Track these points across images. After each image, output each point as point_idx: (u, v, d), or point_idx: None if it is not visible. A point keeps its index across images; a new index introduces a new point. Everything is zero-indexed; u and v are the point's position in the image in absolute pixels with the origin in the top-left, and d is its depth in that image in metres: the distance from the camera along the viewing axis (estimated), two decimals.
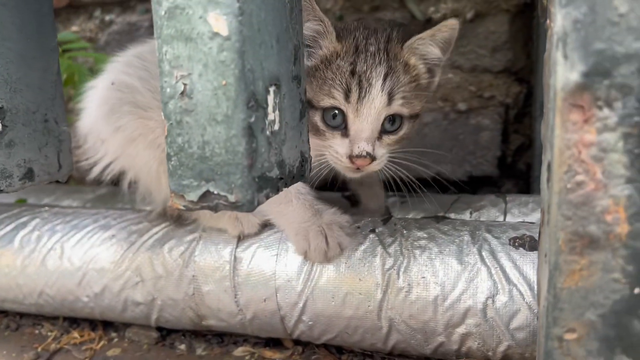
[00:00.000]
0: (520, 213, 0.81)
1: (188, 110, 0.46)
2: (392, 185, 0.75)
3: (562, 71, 0.38)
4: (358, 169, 0.69)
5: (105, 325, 0.85)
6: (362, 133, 0.68)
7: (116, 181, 0.81)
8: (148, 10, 1.19)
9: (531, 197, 0.84)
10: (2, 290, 0.82)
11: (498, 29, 1.01)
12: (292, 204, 0.69)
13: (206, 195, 0.47)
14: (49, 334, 0.85)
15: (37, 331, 0.87)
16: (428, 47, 0.71)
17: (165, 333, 0.82)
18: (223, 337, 0.80)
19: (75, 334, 0.83)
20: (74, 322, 0.87)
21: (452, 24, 0.69)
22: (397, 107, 0.69)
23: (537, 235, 0.64)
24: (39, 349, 0.81)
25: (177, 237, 0.75)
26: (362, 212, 0.83)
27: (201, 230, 0.75)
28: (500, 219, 0.80)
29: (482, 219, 0.79)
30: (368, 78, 0.67)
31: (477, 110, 1.04)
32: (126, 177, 0.80)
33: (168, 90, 0.46)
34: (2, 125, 0.59)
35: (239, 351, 0.77)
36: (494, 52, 1.02)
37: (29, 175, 0.62)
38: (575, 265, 0.41)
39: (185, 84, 0.45)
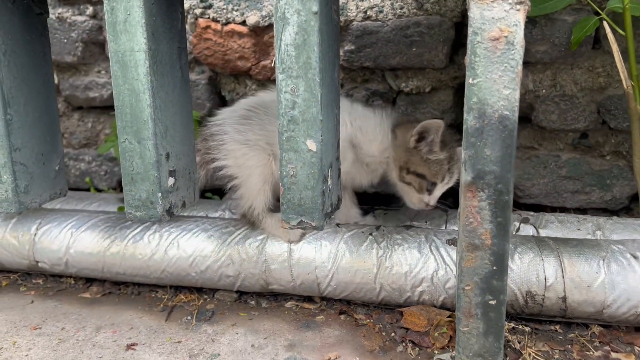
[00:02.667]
0: (455, 223, 1.34)
1: (293, 183, 0.96)
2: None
3: (464, 175, 0.90)
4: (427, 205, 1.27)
5: (199, 290, 1.35)
6: (437, 195, 1.28)
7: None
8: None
9: None
10: (135, 269, 1.31)
11: (446, 98, 1.53)
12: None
13: (301, 222, 0.97)
14: (163, 297, 1.34)
15: (153, 295, 1.35)
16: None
17: (240, 294, 1.32)
18: (277, 296, 1.31)
19: (182, 296, 1.33)
20: (177, 289, 1.36)
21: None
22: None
23: None
24: (161, 305, 1.30)
25: (253, 236, 1.25)
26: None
27: (267, 233, 1.26)
28: (443, 227, 1.34)
29: (431, 227, 1.32)
30: (451, 172, 1.27)
31: None
32: (236, 188, 1.28)
33: (284, 174, 0.96)
34: (175, 179, 1.07)
35: (288, 304, 1.28)
36: (443, 113, 1.54)
37: (184, 205, 1.11)
38: (469, 256, 0.93)
39: (293, 171, 0.95)
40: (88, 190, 1.88)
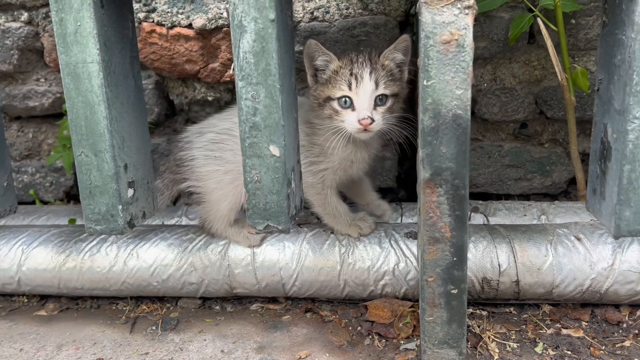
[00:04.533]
0: (410, 215, 1.39)
1: (258, 188, 0.97)
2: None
3: (422, 172, 0.94)
4: (365, 130, 1.11)
5: (160, 299, 1.33)
6: (362, 105, 1.12)
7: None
8: None
9: (416, 204, 1.42)
10: (93, 282, 1.28)
11: None
12: None
13: (267, 226, 0.99)
14: (124, 308, 1.31)
15: (114, 307, 1.33)
16: (394, 53, 1.19)
17: (203, 300, 1.32)
18: (241, 299, 1.31)
19: (144, 307, 1.31)
20: (138, 299, 1.34)
21: (405, 38, 1.17)
22: (382, 89, 1.14)
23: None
24: (123, 317, 1.28)
25: (215, 242, 1.25)
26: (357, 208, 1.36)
27: (228, 240, 1.26)
28: (399, 220, 1.38)
29: (389, 221, 1.37)
30: (361, 75, 1.12)
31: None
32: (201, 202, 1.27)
33: (248, 179, 0.97)
34: (134, 190, 1.06)
35: (254, 307, 1.29)
36: None
37: (144, 216, 1.10)
38: (431, 249, 0.97)
39: (257, 176, 0.96)
40: (33, 203, 1.81)
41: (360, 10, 1.48)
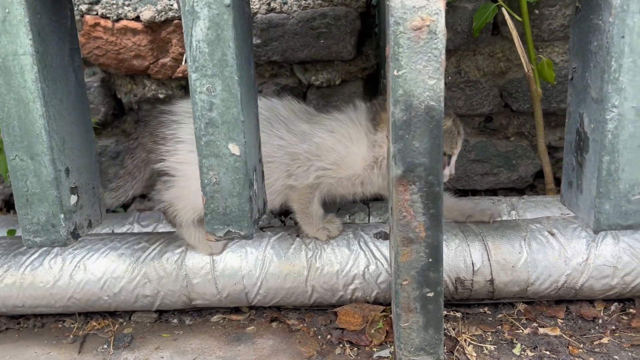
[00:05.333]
0: (377, 215, 1.33)
1: (217, 191, 0.88)
2: None
3: (394, 169, 0.87)
4: None
5: (112, 314, 1.22)
6: (453, 163, 1.16)
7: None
8: None
9: (384, 203, 1.37)
10: (36, 299, 1.16)
11: (357, 90, 1.52)
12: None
13: (228, 232, 0.90)
14: (72, 326, 1.20)
15: (60, 325, 1.21)
16: None
17: (160, 314, 1.22)
18: (201, 311, 1.22)
19: (94, 323, 1.20)
20: (87, 315, 1.23)
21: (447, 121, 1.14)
22: None
23: (388, 231, 1.15)
24: (71, 336, 1.17)
25: (170, 250, 1.16)
26: None
27: (186, 245, 1.17)
28: (367, 220, 1.32)
29: (356, 222, 1.30)
30: (457, 138, 1.15)
31: None
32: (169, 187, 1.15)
33: (206, 182, 0.88)
34: (77, 197, 0.95)
35: (214, 318, 1.20)
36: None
37: (90, 225, 0.99)
38: (405, 250, 0.91)
39: (216, 178, 0.88)
40: None
41: (319, 1, 1.41)
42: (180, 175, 1.14)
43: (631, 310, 1.12)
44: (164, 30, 1.43)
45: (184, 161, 1.13)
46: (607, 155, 0.85)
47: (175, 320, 1.20)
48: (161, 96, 1.53)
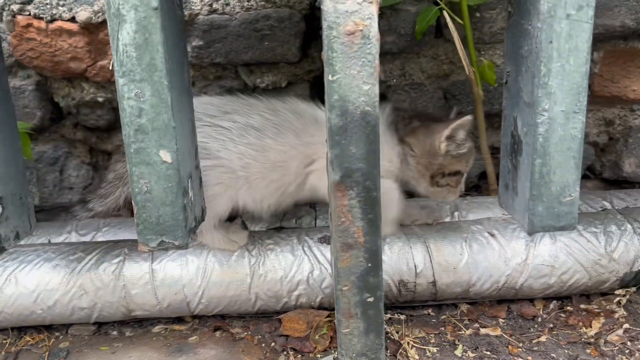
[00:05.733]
0: (324, 218, 1.32)
1: (149, 200, 0.85)
2: None
3: (332, 175, 0.86)
4: None
5: (48, 328, 1.17)
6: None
7: None
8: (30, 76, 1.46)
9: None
10: None
11: (303, 93, 1.50)
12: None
13: (162, 243, 0.87)
14: (4, 342, 1.14)
15: None
16: None
17: (99, 326, 1.18)
18: (142, 322, 1.18)
19: (28, 338, 1.14)
20: (21, 330, 1.17)
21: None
22: None
23: None
24: (2, 353, 1.11)
25: (107, 260, 1.12)
26: None
27: (124, 254, 1.13)
28: (313, 224, 1.31)
29: (303, 226, 1.29)
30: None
31: None
32: None
33: (137, 190, 0.85)
34: (2, 208, 0.91)
35: (156, 329, 1.17)
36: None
37: (17, 236, 0.95)
38: (344, 256, 0.90)
39: (147, 187, 0.85)
40: None
41: (263, 3, 1.39)
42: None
43: (568, 307, 1.14)
44: (101, 31, 1.38)
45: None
46: (539, 158, 0.86)
47: (115, 332, 1.16)
48: (100, 100, 1.48)
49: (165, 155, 0.84)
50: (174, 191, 0.85)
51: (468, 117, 1.10)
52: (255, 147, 1.11)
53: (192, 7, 1.37)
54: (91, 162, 1.62)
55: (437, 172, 1.14)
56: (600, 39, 1.44)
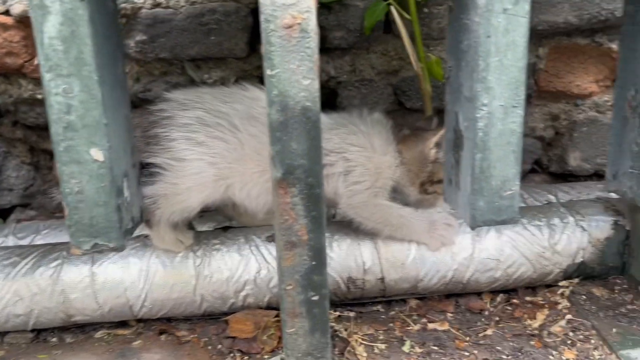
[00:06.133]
0: None
1: (81, 200, 0.82)
2: None
3: (274, 172, 0.84)
4: None
5: None
6: None
7: None
8: None
9: None
10: None
11: None
12: None
13: (96, 245, 0.84)
14: None
15: None
16: None
17: (37, 333, 1.13)
18: (84, 327, 1.14)
19: None
20: None
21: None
22: None
23: None
24: None
25: (44, 264, 1.07)
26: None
27: (62, 257, 1.08)
28: None
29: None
30: None
31: None
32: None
33: (68, 191, 0.81)
34: None
35: (98, 334, 1.12)
36: None
37: None
38: (288, 255, 0.88)
39: (79, 187, 0.81)
40: None
41: None
42: (172, 171, 1.05)
43: (515, 300, 1.16)
44: None
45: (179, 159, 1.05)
46: (479, 153, 0.86)
47: (54, 339, 1.12)
48: (40, 97, 1.41)
49: (97, 154, 0.80)
50: (107, 191, 0.82)
51: None
52: (258, 139, 1.06)
53: (135, 1, 1.33)
54: (32, 162, 1.55)
55: (427, 180, 1.14)
56: (545, 35, 1.47)
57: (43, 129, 1.50)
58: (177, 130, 1.05)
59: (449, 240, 1.09)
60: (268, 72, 0.79)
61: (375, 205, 1.09)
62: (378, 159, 1.11)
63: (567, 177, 1.63)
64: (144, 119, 1.09)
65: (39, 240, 1.24)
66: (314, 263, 0.89)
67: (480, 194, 0.88)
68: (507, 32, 0.81)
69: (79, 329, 1.14)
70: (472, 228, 0.93)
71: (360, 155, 1.09)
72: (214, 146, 1.06)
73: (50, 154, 1.55)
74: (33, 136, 1.51)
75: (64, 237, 1.24)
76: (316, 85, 0.80)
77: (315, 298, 0.90)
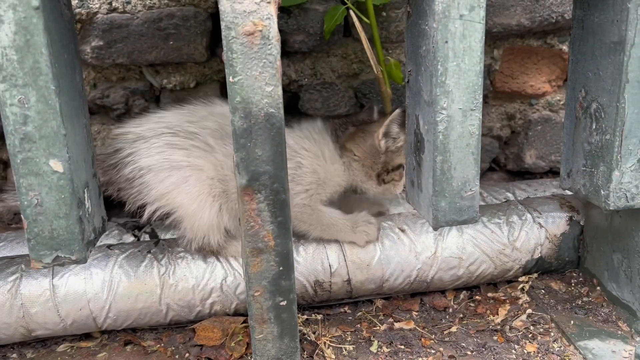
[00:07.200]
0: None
1: (40, 213, 0.80)
2: None
3: (239, 179, 0.84)
4: None
5: None
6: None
7: None
8: None
9: None
10: None
11: (213, 93, 1.47)
12: None
13: (57, 258, 0.82)
14: None
15: None
16: None
17: None
18: (45, 341, 1.11)
19: None
20: None
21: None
22: None
23: None
24: None
25: (2, 278, 1.03)
26: None
27: (21, 271, 1.05)
28: None
29: None
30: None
31: None
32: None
33: (26, 203, 0.79)
34: None
35: (61, 347, 1.10)
36: None
37: None
38: (255, 261, 0.88)
39: (38, 199, 0.79)
40: None
41: (166, 1, 1.34)
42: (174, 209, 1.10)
43: (477, 297, 1.19)
44: None
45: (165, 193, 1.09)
46: (440, 155, 0.88)
47: (14, 355, 1.08)
48: None
49: (56, 165, 0.78)
50: (67, 202, 0.80)
51: (397, 111, 1.11)
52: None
53: (90, 6, 1.30)
54: None
55: (382, 170, 1.15)
56: (500, 37, 1.51)
57: None
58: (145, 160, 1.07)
59: (373, 235, 1.12)
60: (230, 79, 0.79)
61: (313, 210, 1.11)
62: (327, 167, 1.13)
63: (523, 174, 1.69)
64: (103, 164, 1.11)
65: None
66: (281, 268, 0.89)
67: (441, 195, 0.90)
68: (464, 38, 0.84)
69: (39, 344, 1.11)
70: (435, 228, 0.95)
71: (312, 162, 1.12)
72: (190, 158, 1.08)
73: (5, 163, 1.50)
74: None
75: (21, 250, 1.20)
76: (279, 91, 0.80)
77: (284, 303, 0.90)
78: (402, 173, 1.17)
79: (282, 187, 0.84)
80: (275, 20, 0.78)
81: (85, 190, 0.86)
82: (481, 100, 0.87)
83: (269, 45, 0.78)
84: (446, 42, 0.83)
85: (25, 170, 0.78)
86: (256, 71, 0.79)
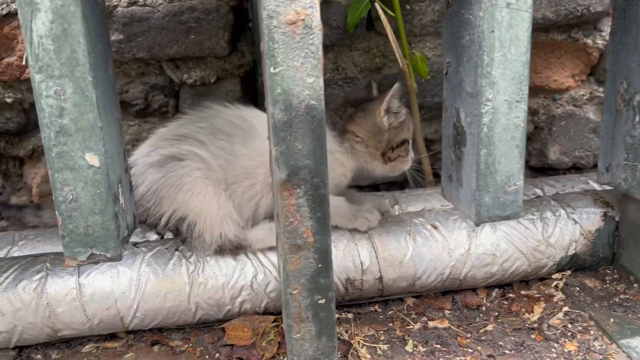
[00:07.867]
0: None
1: (75, 209, 0.77)
2: None
3: (277, 173, 0.82)
4: None
5: None
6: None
7: None
8: None
9: None
10: None
11: (234, 88, 1.44)
12: None
13: (92, 255, 0.79)
14: None
15: None
16: None
17: (19, 350, 1.06)
18: (70, 341, 1.08)
19: None
20: None
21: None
22: None
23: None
24: None
25: (27, 277, 1.01)
26: None
27: (46, 269, 1.02)
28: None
29: None
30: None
31: None
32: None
33: (61, 199, 0.76)
34: None
35: (86, 348, 1.07)
36: (233, 102, 1.45)
37: None
38: (293, 258, 0.86)
39: (73, 194, 0.76)
40: None
41: None
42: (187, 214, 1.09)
43: (510, 294, 1.16)
44: (7, 25, 1.25)
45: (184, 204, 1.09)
46: (484, 149, 0.86)
47: (39, 356, 1.05)
48: (9, 101, 1.34)
49: (92, 159, 0.76)
50: (103, 198, 0.77)
51: (397, 85, 1.09)
52: (227, 151, 1.09)
53: None
54: (0, 170, 1.47)
55: (387, 148, 1.13)
56: None
57: (13, 135, 1.42)
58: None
59: (373, 222, 1.12)
60: (271, 70, 0.76)
61: None
62: (330, 157, 1.11)
63: (546, 170, 1.66)
64: None
65: (15, 252, 1.17)
66: (320, 266, 0.86)
67: (485, 190, 0.88)
68: (510, 27, 0.81)
69: (64, 344, 1.08)
70: (477, 224, 0.93)
71: None
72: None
73: (21, 160, 1.47)
74: (2, 142, 1.43)
75: (42, 248, 1.17)
76: (320, 83, 0.78)
77: (322, 301, 0.88)
78: (407, 148, 1.16)
79: (322, 181, 0.82)
80: (318, 8, 0.76)
81: (120, 186, 0.83)
82: (527, 91, 0.85)
83: (312, 34, 0.76)
84: (492, 31, 0.81)
85: (61, 164, 0.75)
86: (298, 62, 0.76)
